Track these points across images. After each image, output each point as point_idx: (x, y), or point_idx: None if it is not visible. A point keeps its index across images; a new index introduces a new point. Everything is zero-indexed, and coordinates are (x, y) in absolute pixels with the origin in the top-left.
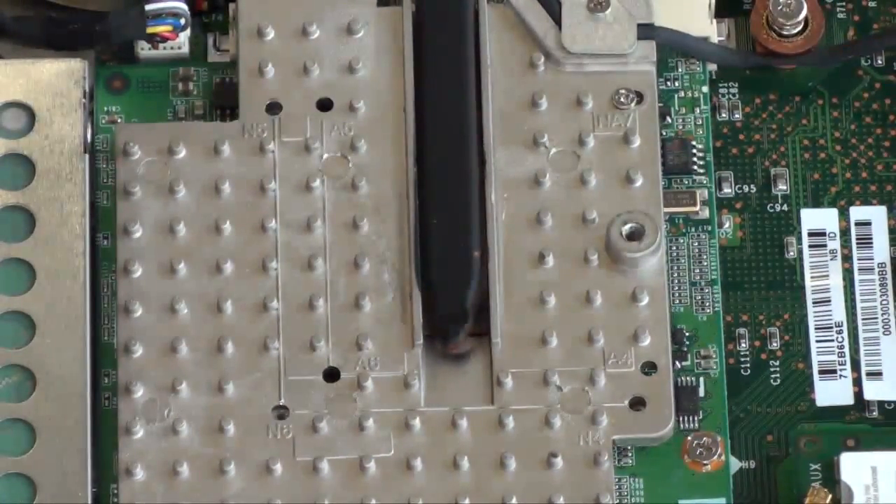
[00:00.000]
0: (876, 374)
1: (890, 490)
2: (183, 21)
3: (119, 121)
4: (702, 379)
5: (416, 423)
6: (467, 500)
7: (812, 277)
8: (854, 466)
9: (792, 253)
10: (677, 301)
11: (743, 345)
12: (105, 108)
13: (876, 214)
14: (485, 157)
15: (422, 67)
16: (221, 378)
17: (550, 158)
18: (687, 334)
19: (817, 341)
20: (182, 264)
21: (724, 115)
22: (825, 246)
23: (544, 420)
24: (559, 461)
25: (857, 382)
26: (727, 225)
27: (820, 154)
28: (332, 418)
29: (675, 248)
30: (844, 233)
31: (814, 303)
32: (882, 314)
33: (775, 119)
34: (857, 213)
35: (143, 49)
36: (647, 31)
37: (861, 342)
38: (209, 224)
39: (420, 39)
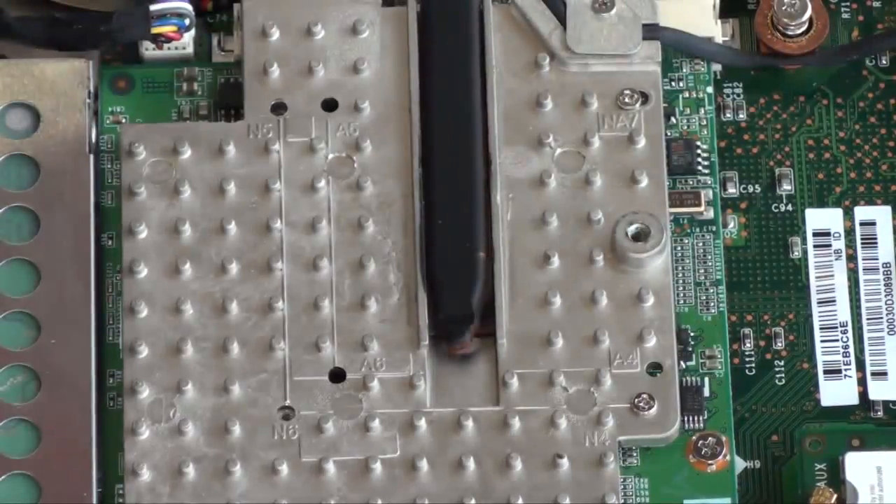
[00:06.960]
0: (881, 374)
1: (895, 490)
2: (187, 21)
3: (123, 121)
4: (707, 379)
5: (422, 423)
6: (473, 501)
7: (817, 277)
8: (859, 466)
9: (797, 253)
10: (682, 301)
11: (748, 345)
12: (109, 109)
13: (880, 214)
14: (490, 157)
15: (427, 67)
16: (227, 378)
17: (555, 159)
18: (692, 334)
19: (822, 341)
20: (187, 265)
21: (728, 115)
22: (830, 246)
23: (550, 421)
24: (565, 462)
25: (862, 382)
26: (732, 225)
27: (824, 154)
28: (338, 419)
29: (679, 248)
30: (849, 233)
31: (818, 303)
32: (887, 314)
33: (780, 119)
34: (862, 213)
35: (148, 49)
36: (651, 31)
37: (866, 342)
38: (214, 224)
39: (425, 39)
